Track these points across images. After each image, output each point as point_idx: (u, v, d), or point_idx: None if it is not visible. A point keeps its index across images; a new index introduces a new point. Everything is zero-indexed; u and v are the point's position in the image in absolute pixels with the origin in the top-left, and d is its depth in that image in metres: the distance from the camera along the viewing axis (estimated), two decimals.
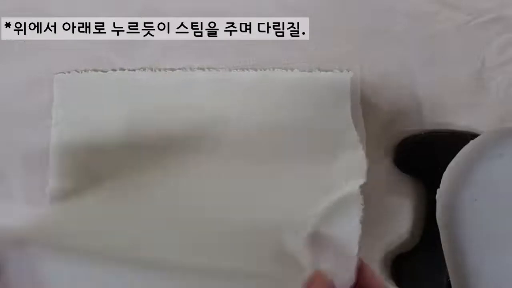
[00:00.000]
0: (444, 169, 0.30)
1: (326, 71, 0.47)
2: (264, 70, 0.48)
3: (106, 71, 0.47)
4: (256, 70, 0.47)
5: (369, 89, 0.48)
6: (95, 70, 0.47)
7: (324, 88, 0.47)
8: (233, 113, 0.47)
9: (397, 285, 0.47)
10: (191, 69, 0.48)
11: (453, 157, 0.30)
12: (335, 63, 0.48)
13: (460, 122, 0.48)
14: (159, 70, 0.47)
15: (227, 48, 0.48)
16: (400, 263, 0.46)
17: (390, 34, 0.49)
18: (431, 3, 0.49)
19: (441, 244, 0.29)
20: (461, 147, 0.30)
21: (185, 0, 0.48)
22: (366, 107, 0.48)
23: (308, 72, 0.47)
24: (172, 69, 0.48)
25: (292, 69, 0.48)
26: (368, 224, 0.49)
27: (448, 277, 0.29)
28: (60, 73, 0.47)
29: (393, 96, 0.48)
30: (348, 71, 0.47)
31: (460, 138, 0.45)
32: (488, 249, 0.26)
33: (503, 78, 0.49)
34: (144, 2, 0.48)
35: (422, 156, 0.46)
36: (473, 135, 0.38)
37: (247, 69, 0.47)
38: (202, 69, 0.48)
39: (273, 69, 0.48)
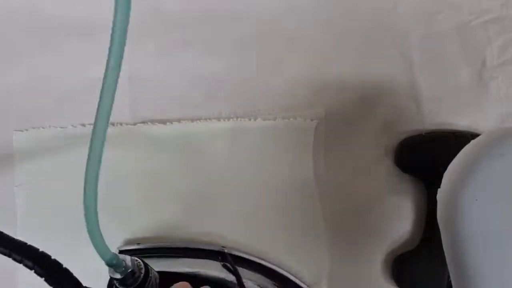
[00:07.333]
0: (444, 169, 0.30)
1: (289, 118, 0.47)
2: (235, 119, 0.47)
3: (65, 127, 0.47)
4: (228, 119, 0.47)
5: (369, 89, 0.48)
6: (54, 127, 0.47)
7: (287, 136, 0.47)
8: (204, 159, 0.47)
9: (398, 285, 0.47)
10: (161, 121, 0.47)
11: (453, 157, 0.30)
12: (335, 62, 0.48)
13: (460, 122, 0.48)
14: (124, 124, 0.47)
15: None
16: (401, 263, 0.46)
17: (390, 34, 0.49)
18: (432, 3, 0.49)
19: (441, 244, 0.29)
20: (461, 147, 0.30)
21: (185, 0, 0.48)
22: (366, 107, 0.48)
23: (273, 120, 0.47)
24: (143, 122, 0.47)
25: (255, 119, 0.47)
26: (369, 224, 0.49)
27: (449, 277, 0.29)
28: (18, 130, 0.47)
29: (393, 96, 0.48)
30: (312, 120, 0.47)
31: (460, 138, 0.45)
32: (488, 249, 0.26)
33: (503, 78, 0.49)
34: (144, 2, 0.48)
35: (422, 156, 0.46)
36: (474, 135, 0.38)
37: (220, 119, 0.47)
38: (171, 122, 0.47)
39: (240, 119, 0.47)
